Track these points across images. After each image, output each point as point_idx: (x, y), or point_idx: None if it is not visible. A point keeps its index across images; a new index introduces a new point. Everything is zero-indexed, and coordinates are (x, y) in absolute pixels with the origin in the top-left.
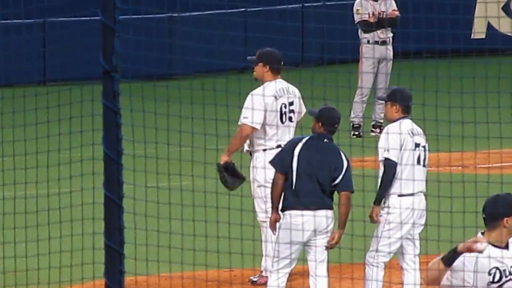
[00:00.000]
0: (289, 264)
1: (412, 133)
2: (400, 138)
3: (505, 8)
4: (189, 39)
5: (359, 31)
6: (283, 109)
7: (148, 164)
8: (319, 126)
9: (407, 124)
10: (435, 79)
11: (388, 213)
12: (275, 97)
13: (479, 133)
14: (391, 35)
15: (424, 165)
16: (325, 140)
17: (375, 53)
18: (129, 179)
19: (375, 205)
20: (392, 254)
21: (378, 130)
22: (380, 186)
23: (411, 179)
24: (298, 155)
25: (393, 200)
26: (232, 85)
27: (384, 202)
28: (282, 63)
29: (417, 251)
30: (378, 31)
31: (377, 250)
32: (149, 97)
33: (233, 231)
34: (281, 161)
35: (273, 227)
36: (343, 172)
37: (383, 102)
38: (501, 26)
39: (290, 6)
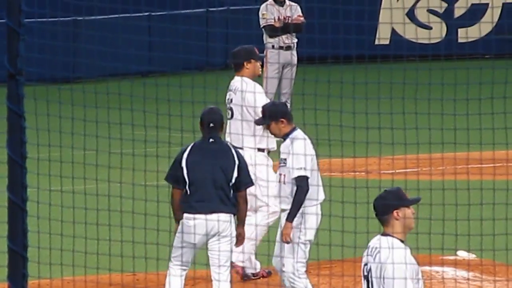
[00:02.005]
0: (180, 265)
1: (312, 141)
2: (307, 149)
3: (410, 15)
4: (93, 43)
5: (264, 36)
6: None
7: (52, 168)
8: (202, 129)
9: (302, 133)
10: (340, 84)
11: (301, 222)
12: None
13: (383, 139)
14: (295, 40)
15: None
16: (211, 140)
17: (279, 58)
18: (33, 183)
19: (288, 221)
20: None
21: None
22: (295, 202)
23: (318, 186)
24: (186, 163)
25: (308, 209)
26: (137, 89)
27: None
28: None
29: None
30: (283, 36)
31: (297, 262)
32: (54, 100)
33: (136, 235)
34: (173, 175)
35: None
36: (236, 171)
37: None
38: (406, 32)
39: (195, 10)
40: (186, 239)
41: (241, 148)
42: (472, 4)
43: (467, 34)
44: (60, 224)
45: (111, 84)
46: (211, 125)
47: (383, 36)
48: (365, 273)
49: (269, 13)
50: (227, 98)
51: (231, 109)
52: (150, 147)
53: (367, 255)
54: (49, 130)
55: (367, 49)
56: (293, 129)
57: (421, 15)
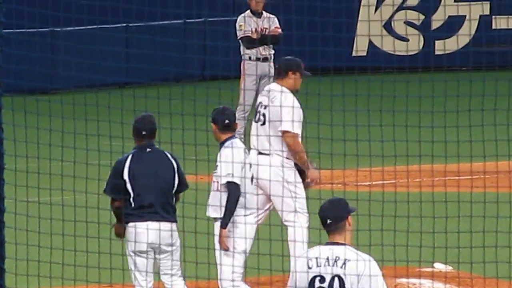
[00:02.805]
0: (142, 276)
1: (246, 151)
2: (239, 158)
3: (387, 27)
4: (71, 54)
5: (241, 47)
6: (258, 108)
7: (30, 179)
8: (135, 137)
9: (240, 143)
10: (317, 96)
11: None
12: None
13: (361, 151)
14: (272, 52)
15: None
16: (148, 150)
17: (257, 70)
18: (11, 194)
19: (222, 228)
20: (241, 268)
21: None
22: (227, 208)
23: (249, 194)
24: (129, 174)
25: (238, 218)
26: (114, 100)
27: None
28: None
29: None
30: (260, 48)
31: (233, 271)
32: (32, 111)
33: (114, 247)
34: (113, 187)
35: (119, 237)
36: (176, 177)
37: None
38: (383, 44)
39: (172, 22)
40: (137, 248)
41: (268, 154)
42: (449, 16)
43: (445, 46)
44: (37, 235)
45: (88, 95)
46: (143, 133)
47: (360, 48)
48: (321, 284)
49: (246, 25)
50: (259, 102)
51: (264, 114)
52: None
53: (319, 266)
54: (27, 141)
55: (345, 61)
56: (229, 138)
57: (399, 27)
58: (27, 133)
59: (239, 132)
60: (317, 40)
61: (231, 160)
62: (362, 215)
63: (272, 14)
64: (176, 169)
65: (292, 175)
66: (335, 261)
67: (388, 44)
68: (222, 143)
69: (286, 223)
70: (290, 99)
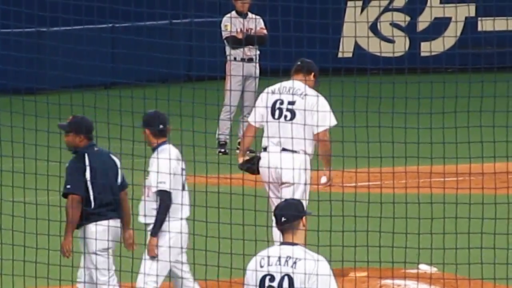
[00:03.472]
0: (105, 274)
1: (178, 158)
2: (171, 165)
3: (373, 28)
4: (57, 54)
5: (226, 48)
6: (277, 105)
7: (15, 179)
8: (80, 139)
9: (173, 149)
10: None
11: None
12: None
13: (346, 152)
14: (258, 52)
15: (186, 189)
16: (96, 149)
17: (242, 70)
18: None
19: (152, 236)
20: (162, 278)
21: None
22: (157, 217)
23: (180, 204)
24: (90, 173)
25: (168, 226)
26: (100, 100)
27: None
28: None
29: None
30: (245, 49)
31: (145, 274)
32: (18, 111)
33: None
34: (77, 186)
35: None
36: (120, 175)
37: (246, 121)
38: (370, 46)
39: (159, 22)
40: (101, 246)
41: (296, 152)
42: (435, 18)
43: (431, 48)
44: (23, 235)
45: (75, 95)
46: (90, 132)
47: (346, 50)
48: (271, 283)
49: (231, 25)
50: (276, 99)
51: (291, 111)
52: None
53: (270, 265)
54: (13, 141)
55: (331, 62)
56: (163, 143)
57: (385, 28)
58: (13, 133)
59: (225, 133)
60: (303, 41)
61: (164, 167)
62: (347, 216)
63: (258, 15)
64: (119, 167)
65: (309, 176)
66: (286, 260)
67: (374, 46)
68: (154, 148)
69: None
70: (322, 100)
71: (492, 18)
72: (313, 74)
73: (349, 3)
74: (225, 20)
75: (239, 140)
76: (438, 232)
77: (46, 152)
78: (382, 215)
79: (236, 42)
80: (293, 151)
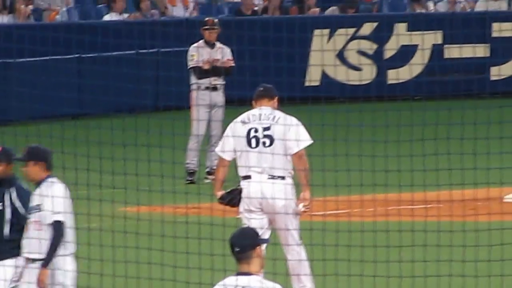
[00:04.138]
0: None
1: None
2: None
3: (340, 56)
4: (24, 85)
5: (191, 77)
6: (251, 134)
7: None
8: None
9: (61, 184)
10: None
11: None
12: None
13: (314, 181)
14: (223, 82)
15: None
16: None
17: (207, 99)
18: None
19: (44, 268)
20: None
21: (212, 177)
22: (51, 248)
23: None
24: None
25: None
26: (68, 131)
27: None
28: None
29: None
30: (212, 78)
31: None
32: None
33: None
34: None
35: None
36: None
37: (213, 150)
38: (337, 74)
39: (125, 52)
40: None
41: (283, 177)
42: (402, 45)
43: (398, 76)
44: None
45: (42, 126)
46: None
47: (313, 78)
48: None
49: (198, 55)
50: (250, 128)
51: (268, 136)
52: (81, 189)
53: None
54: None
55: (298, 91)
56: (50, 176)
57: (352, 56)
58: None
59: (193, 162)
60: (270, 70)
61: (58, 199)
62: (316, 245)
63: (225, 45)
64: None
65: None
66: None
67: (341, 74)
68: (41, 182)
69: (290, 255)
70: (293, 119)
71: (459, 45)
72: (276, 98)
73: (316, 32)
74: (192, 49)
75: (207, 169)
76: (407, 260)
77: None
78: (351, 243)
79: (201, 73)
80: (281, 177)
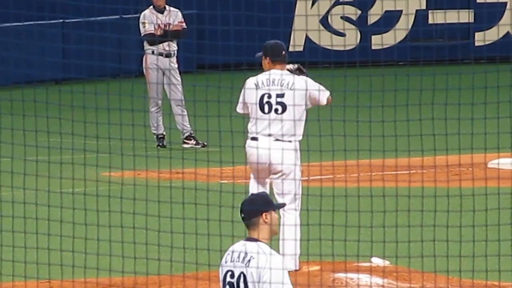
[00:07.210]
0: None
1: None
2: None
3: (324, 22)
4: (8, 50)
5: (144, 42)
6: (265, 99)
7: None
8: None
9: None
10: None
11: None
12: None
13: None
14: (175, 48)
15: None
16: None
17: (160, 65)
18: None
19: None
20: None
21: (192, 142)
22: None
23: None
24: None
25: None
26: (52, 96)
27: None
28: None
29: None
30: (164, 44)
31: None
32: None
33: (51, 243)
34: None
35: None
36: None
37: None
38: (321, 39)
39: (109, 17)
40: None
41: (288, 141)
42: (386, 11)
43: (382, 41)
44: None
45: (26, 91)
46: None
47: (297, 43)
48: (231, 279)
49: (148, 21)
50: (263, 94)
51: (279, 102)
52: (66, 154)
53: (232, 261)
54: None
55: None
56: None
57: (336, 22)
58: None
59: (155, 125)
60: (255, 34)
61: None
62: (300, 210)
63: (176, 8)
64: None
65: (299, 159)
66: (244, 257)
67: (325, 39)
68: None
69: (287, 208)
70: (310, 81)
71: (443, 10)
72: (285, 57)
73: None
74: (142, 17)
75: (184, 135)
76: (391, 226)
77: None
78: (334, 208)
79: (153, 40)
80: (288, 141)
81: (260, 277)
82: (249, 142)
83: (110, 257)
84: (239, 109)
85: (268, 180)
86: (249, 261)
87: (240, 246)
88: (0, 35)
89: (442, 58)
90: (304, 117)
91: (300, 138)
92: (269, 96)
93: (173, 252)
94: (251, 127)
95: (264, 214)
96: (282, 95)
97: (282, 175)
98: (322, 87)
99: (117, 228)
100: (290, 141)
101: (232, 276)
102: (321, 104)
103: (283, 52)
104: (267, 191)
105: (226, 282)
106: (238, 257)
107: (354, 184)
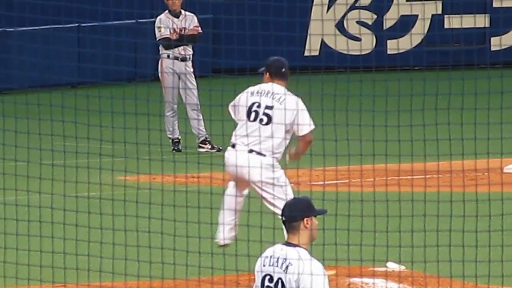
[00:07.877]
0: None
1: None
2: None
3: (339, 26)
4: (24, 54)
5: (160, 46)
6: (253, 107)
7: None
8: None
9: None
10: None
11: None
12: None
13: (314, 150)
14: (191, 52)
15: None
16: None
17: (176, 69)
18: None
19: None
20: None
21: (208, 146)
22: None
23: None
24: None
25: None
26: (68, 100)
27: None
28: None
29: None
30: (180, 48)
31: None
32: None
33: (67, 246)
34: None
35: None
36: None
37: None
38: (336, 44)
39: (125, 22)
40: None
41: (263, 155)
42: (402, 16)
43: (398, 46)
44: None
45: (42, 95)
46: None
47: (313, 48)
48: (269, 284)
49: (164, 26)
50: (253, 101)
51: (267, 114)
52: (81, 158)
53: (271, 265)
54: None
55: (298, 60)
56: None
57: (351, 26)
58: None
59: (175, 130)
60: (271, 39)
61: None
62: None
63: (192, 12)
64: None
65: (283, 175)
66: (283, 262)
67: (341, 44)
68: None
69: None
70: (301, 102)
71: (459, 15)
72: (287, 74)
73: (316, 1)
74: (157, 21)
75: (200, 140)
76: (407, 230)
77: (14, 152)
78: (350, 213)
79: (169, 44)
80: (260, 154)
81: (299, 284)
82: (228, 149)
83: (126, 261)
84: (230, 105)
85: (247, 189)
86: (287, 267)
87: (279, 250)
88: (16, 39)
89: (458, 62)
90: (286, 137)
91: (278, 156)
92: (259, 106)
93: (188, 256)
94: (234, 131)
95: (305, 220)
96: (271, 107)
97: (262, 187)
98: (310, 121)
99: (132, 232)
100: (265, 155)
101: (270, 280)
102: (299, 135)
103: (283, 69)
104: (246, 193)
105: (265, 286)
106: (277, 262)
107: (369, 189)
